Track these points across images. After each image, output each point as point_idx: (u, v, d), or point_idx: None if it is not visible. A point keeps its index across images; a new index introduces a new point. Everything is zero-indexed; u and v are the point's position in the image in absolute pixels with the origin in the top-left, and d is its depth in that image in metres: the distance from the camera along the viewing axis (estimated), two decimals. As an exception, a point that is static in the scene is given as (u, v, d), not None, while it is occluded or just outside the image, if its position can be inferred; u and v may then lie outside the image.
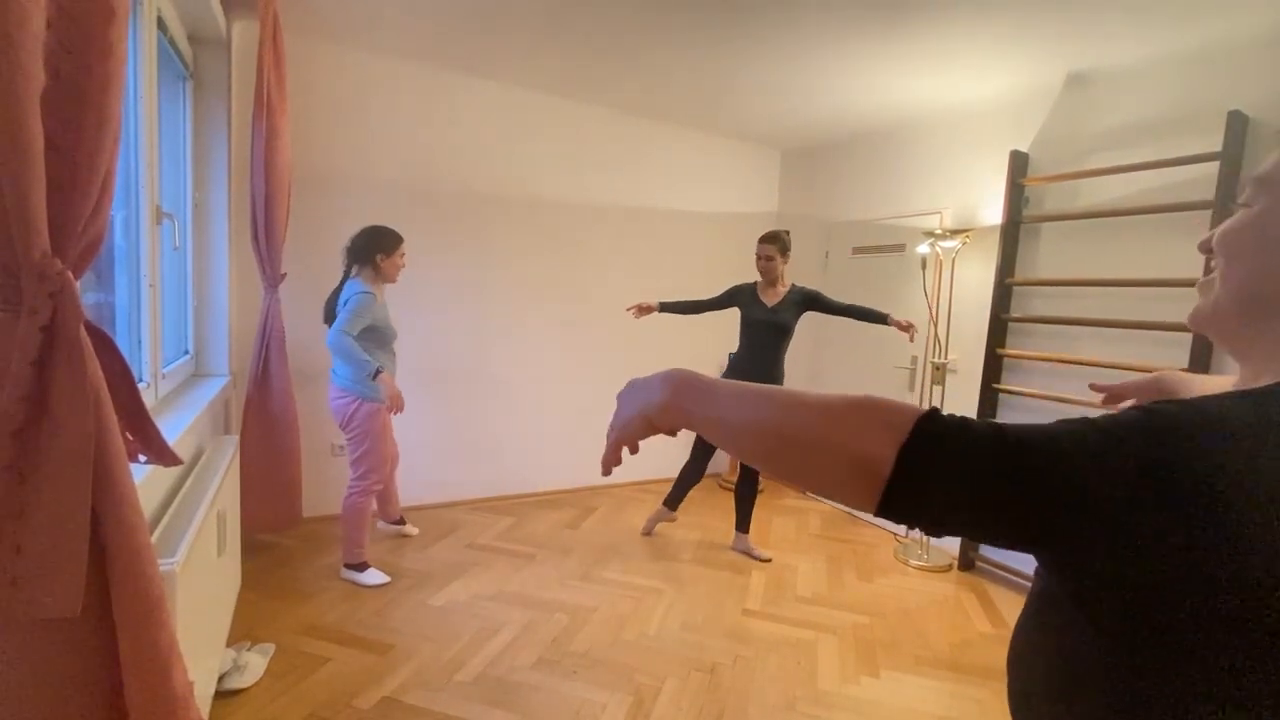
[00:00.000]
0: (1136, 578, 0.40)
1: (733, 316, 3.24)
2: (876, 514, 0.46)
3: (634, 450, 0.66)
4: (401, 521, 3.16)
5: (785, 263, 3.15)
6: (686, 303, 3.26)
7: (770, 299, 3.12)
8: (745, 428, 0.54)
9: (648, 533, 3.43)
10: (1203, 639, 0.39)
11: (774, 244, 3.11)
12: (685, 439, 4.52)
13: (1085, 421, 0.43)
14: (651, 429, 0.62)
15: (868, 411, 0.47)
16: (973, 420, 0.46)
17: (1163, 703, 0.41)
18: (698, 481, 3.36)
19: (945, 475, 0.44)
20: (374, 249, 2.58)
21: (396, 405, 2.54)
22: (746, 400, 0.54)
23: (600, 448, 0.69)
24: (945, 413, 0.47)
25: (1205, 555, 0.38)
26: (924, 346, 3.55)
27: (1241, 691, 0.38)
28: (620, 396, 0.65)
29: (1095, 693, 0.44)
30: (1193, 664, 0.39)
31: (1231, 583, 0.38)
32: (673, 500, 3.40)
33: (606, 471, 0.69)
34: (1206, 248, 0.54)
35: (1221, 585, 0.38)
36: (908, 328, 2.94)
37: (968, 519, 0.45)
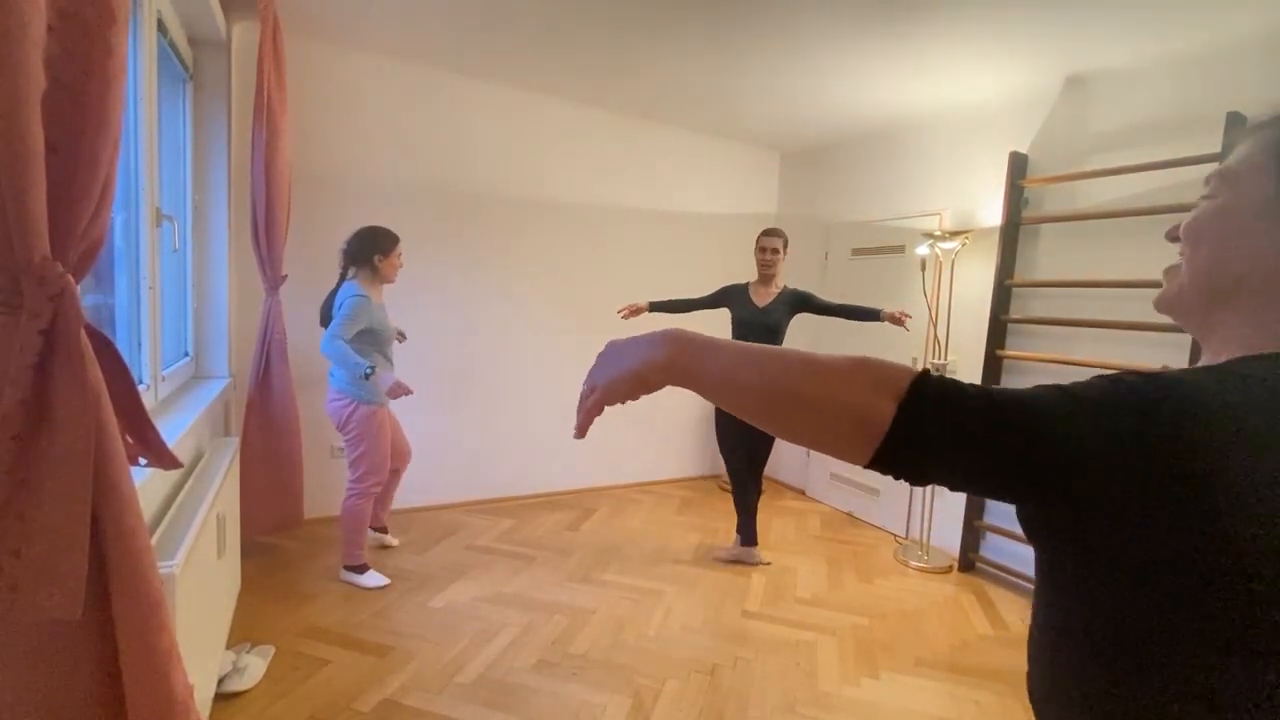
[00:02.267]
0: (1112, 537, 0.45)
1: (729, 317, 3.23)
2: (868, 466, 0.50)
3: (599, 413, 0.64)
4: (383, 530, 3.07)
5: (783, 261, 3.14)
6: (676, 301, 3.23)
7: (761, 299, 3.10)
8: (750, 385, 0.55)
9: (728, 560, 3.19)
10: (1172, 605, 0.43)
11: (780, 238, 3.09)
12: (679, 440, 4.51)
13: (1059, 388, 0.47)
14: (644, 388, 0.61)
15: (867, 371, 0.51)
16: (962, 382, 0.49)
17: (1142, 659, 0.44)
18: (759, 496, 3.19)
19: (938, 430, 0.48)
20: (371, 250, 2.58)
21: (399, 392, 2.46)
22: (751, 359, 0.56)
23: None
24: (935, 374, 0.50)
25: (1184, 523, 0.42)
26: (923, 348, 3.55)
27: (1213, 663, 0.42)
28: (602, 357, 0.64)
29: (1089, 672, 0.48)
30: (1174, 626, 0.43)
31: (1209, 550, 0.41)
32: (749, 534, 3.16)
33: (581, 434, 0.66)
34: (1174, 236, 0.58)
35: (1201, 551, 0.41)
36: (900, 320, 2.91)
37: (954, 470, 0.49)
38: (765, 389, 0.54)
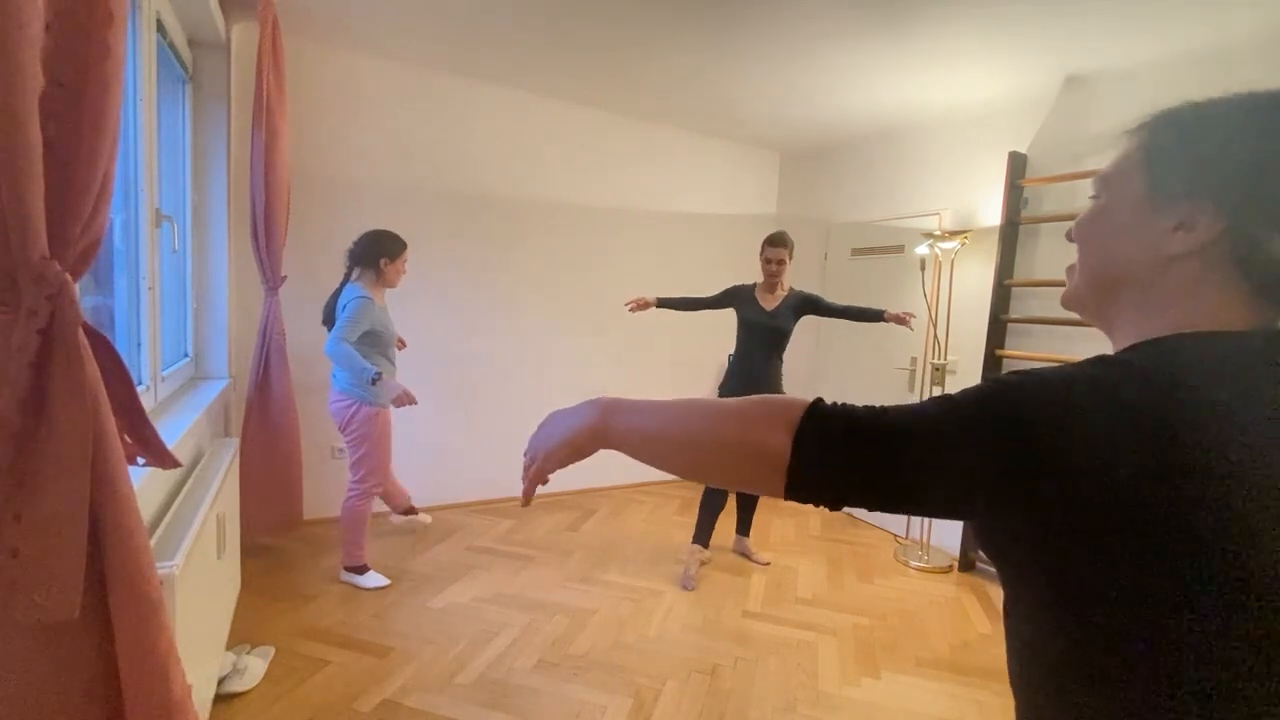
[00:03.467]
0: (1007, 532, 0.48)
1: (735, 317, 3.22)
2: (786, 497, 0.52)
3: (545, 481, 0.68)
4: (413, 510, 3.16)
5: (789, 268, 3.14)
6: (684, 299, 3.21)
7: (769, 303, 3.07)
8: (666, 439, 0.59)
9: (690, 586, 2.88)
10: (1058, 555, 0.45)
11: (785, 247, 3.02)
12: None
13: (947, 398, 0.49)
14: (576, 454, 0.65)
15: (767, 407, 0.54)
16: (855, 405, 0.52)
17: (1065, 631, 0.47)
18: (723, 507, 3.10)
19: (831, 454, 0.50)
20: (379, 253, 2.58)
21: (406, 400, 2.52)
22: (665, 415, 0.59)
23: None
24: (829, 401, 0.53)
25: (1058, 508, 0.44)
26: (924, 347, 3.55)
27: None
28: (542, 426, 0.67)
29: (1032, 657, 0.52)
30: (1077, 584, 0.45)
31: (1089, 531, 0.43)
32: (703, 536, 3.06)
33: (527, 502, 0.71)
34: (1070, 237, 0.61)
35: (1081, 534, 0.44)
36: (904, 319, 2.89)
37: (858, 491, 0.51)
38: (681, 441, 0.58)
